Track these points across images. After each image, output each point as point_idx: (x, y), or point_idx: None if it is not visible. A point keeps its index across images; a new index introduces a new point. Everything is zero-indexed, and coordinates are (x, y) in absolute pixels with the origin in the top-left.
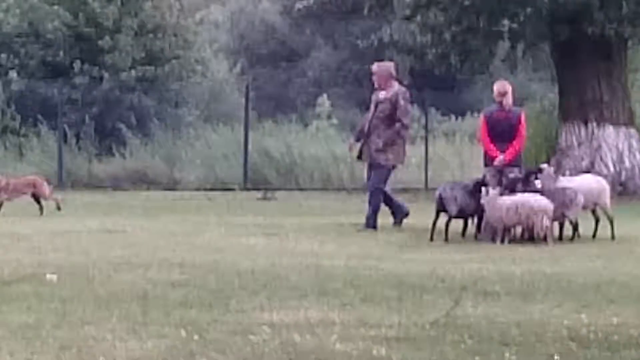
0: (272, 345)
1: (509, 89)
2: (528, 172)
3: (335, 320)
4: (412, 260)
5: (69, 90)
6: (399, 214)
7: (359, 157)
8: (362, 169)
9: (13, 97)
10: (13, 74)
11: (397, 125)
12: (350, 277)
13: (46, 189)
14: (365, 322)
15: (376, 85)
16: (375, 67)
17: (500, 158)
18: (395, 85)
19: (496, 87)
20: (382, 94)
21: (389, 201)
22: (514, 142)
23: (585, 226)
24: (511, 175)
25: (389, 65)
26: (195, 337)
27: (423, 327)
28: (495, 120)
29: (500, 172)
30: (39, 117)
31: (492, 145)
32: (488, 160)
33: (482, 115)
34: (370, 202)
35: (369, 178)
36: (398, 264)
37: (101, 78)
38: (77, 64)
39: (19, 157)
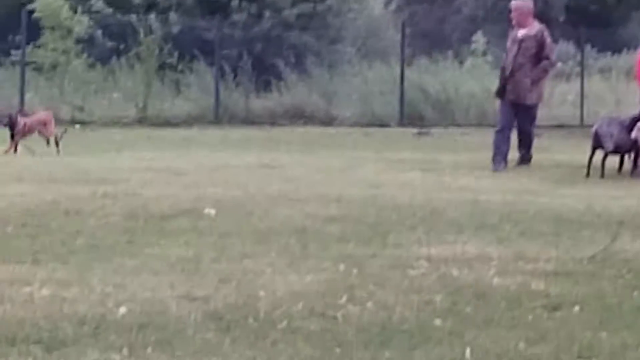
0: (430, 279)
1: None
2: None
3: (492, 255)
4: (568, 195)
5: (227, 28)
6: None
7: (501, 95)
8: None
9: (170, 34)
10: (173, 15)
11: (545, 62)
12: (507, 212)
13: (53, 126)
14: (522, 256)
15: (515, 23)
16: (514, 4)
17: None
18: (536, 23)
19: None
20: (522, 32)
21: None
22: None
23: None
24: None
25: (529, 3)
26: (354, 270)
27: (580, 261)
28: None
29: None
30: (196, 54)
31: None
32: None
33: (638, 51)
34: (522, 143)
35: (504, 117)
36: (554, 199)
37: (259, 15)
38: (235, 1)
39: (176, 93)
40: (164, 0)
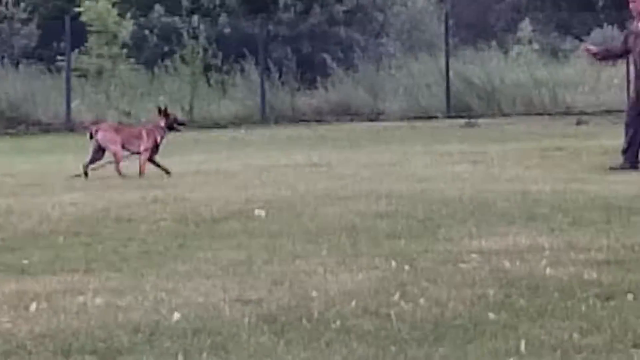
0: (482, 272)
1: None
2: None
3: (544, 245)
4: (618, 182)
5: (272, 26)
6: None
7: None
8: (564, 94)
9: (214, 35)
10: (223, 17)
11: None
12: (557, 201)
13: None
14: (574, 246)
15: (636, 14)
16: None
17: None
18: None
19: None
20: None
21: None
22: None
23: None
24: None
25: None
26: (406, 267)
27: (632, 249)
28: None
29: None
30: (242, 53)
31: None
32: None
33: None
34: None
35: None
36: (604, 187)
37: (306, 11)
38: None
39: (222, 94)
40: (208, 2)
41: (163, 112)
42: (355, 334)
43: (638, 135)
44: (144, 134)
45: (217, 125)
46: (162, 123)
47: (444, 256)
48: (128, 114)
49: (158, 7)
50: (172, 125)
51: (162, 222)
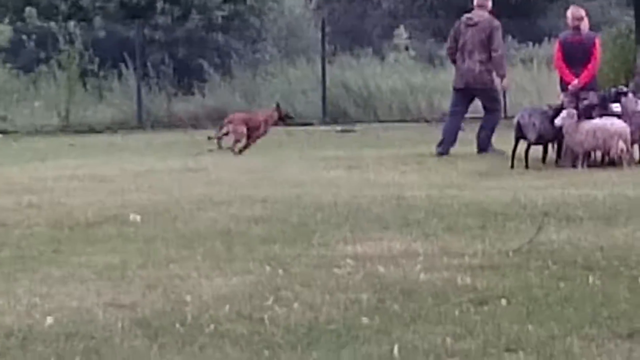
0: (356, 277)
1: (584, 13)
2: (603, 97)
3: (418, 251)
4: (493, 188)
5: (150, 32)
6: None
7: None
8: (440, 100)
9: (90, 40)
10: (99, 21)
11: None
12: (432, 207)
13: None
14: (448, 251)
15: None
16: None
17: (574, 82)
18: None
19: (570, 12)
20: None
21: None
22: (589, 67)
23: None
24: (586, 102)
25: None
26: (280, 272)
27: (506, 254)
28: (570, 45)
29: (576, 97)
30: (118, 59)
31: (567, 71)
32: (564, 86)
33: (557, 41)
34: None
35: None
36: (479, 192)
37: (184, 17)
38: (159, 4)
39: (98, 100)
40: (85, 6)
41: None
42: (228, 338)
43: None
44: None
45: (93, 130)
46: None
47: (318, 261)
48: (4, 119)
49: (30, 11)
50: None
51: (37, 227)
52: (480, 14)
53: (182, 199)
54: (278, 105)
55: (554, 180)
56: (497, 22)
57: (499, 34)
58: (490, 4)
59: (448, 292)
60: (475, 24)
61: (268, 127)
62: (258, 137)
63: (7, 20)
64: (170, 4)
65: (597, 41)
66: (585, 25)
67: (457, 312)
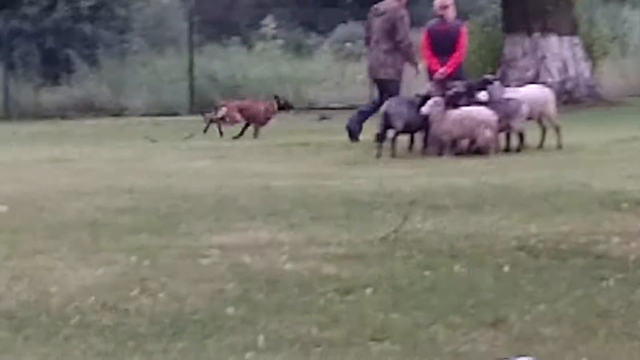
0: (222, 267)
1: (450, 2)
2: (470, 85)
3: (284, 241)
4: (360, 177)
5: (17, 22)
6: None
7: None
8: (307, 90)
9: None
10: None
11: None
12: (298, 196)
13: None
14: (314, 241)
15: None
16: None
17: (440, 71)
18: None
19: (437, 1)
20: None
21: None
22: (455, 55)
23: (532, 136)
24: (452, 90)
25: None
26: (146, 262)
27: (372, 243)
28: (436, 34)
29: (443, 85)
30: None
31: (434, 59)
32: (431, 75)
33: (424, 30)
34: None
35: None
36: (346, 182)
37: (51, 7)
38: None
39: None
40: None
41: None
42: (94, 329)
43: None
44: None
45: None
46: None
47: (184, 251)
48: None
49: None
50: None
51: None
52: (387, 3)
53: (49, 190)
54: (276, 97)
55: (421, 169)
56: (401, 12)
57: (403, 24)
58: None
59: (313, 281)
60: (382, 14)
61: (270, 116)
62: (260, 126)
63: None
64: None
65: (464, 30)
66: (449, 13)
67: (322, 302)
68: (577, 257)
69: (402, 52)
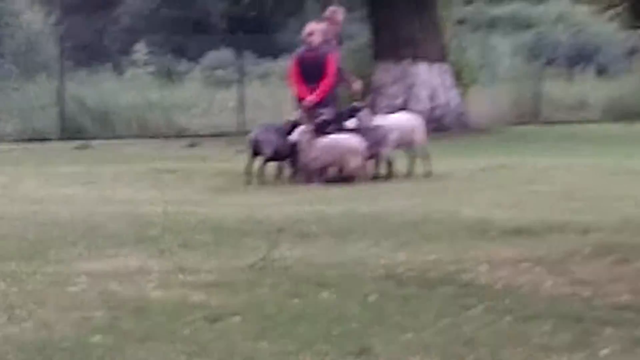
0: (90, 294)
1: (318, 28)
2: (339, 113)
3: (153, 268)
4: (230, 204)
5: None
6: None
7: None
8: (177, 117)
9: None
10: None
11: None
12: (168, 223)
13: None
14: (183, 268)
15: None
16: None
17: (309, 98)
18: None
19: (306, 28)
20: None
21: None
22: (323, 82)
23: (401, 164)
24: (321, 118)
25: None
26: (14, 289)
27: (241, 270)
28: (305, 61)
29: (312, 113)
30: None
31: (302, 87)
32: (300, 102)
33: (293, 57)
34: None
35: None
36: (215, 209)
37: None
38: None
39: None
40: None
41: None
42: None
43: None
44: None
45: None
46: None
47: (53, 278)
48: None
49: None
50: None
51: None
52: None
53: None
54: None
55: (290, 197)
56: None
57: None
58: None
59: (182, 309)
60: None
61: None
62: None
63: None
64: None
65: (331, 57)
66: (315, 40)
67: (190, 330)
68: (444, 286)
69: None
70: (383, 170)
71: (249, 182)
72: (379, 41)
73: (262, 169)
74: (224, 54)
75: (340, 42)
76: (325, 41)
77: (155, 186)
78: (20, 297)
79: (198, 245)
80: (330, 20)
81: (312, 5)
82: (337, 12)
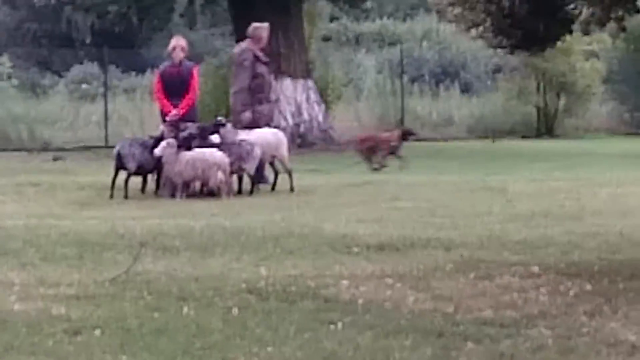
0: None
1: (180, 43)
2: (203, 128)
3: (14, 280)
4: (92, 218)
5: None
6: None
7: None
8: (42, 130)
9: None
10: None
11: None
12: (29, 236)
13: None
14: (44, 281)
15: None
16: None
17: (173, 113)
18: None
19: (170, 43)
20: None
21: None
22: (187, 97)
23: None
24: (185, 132)
25: None
26: None
27: (102, 284)
28: (168, 76)
29: (176, 127)
30: None
31: (166, 101)
32: (164, 116)
33: (156, 72)
34: None
35: None
36: (78, 222)
37: None
38: None
39: None
40: None
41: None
42: None
43: None
44: None
45: None
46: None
47: None
48: None
49: None
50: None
51: None
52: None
53: None
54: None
55: (153, 211)
56: (244, 56)
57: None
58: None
59: (42, 322)
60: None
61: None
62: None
63: None
64: None
65: (195, 72)
66: (177, 55)
67: (51, 343)
68: (306, 300)
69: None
70: (246, 185)
71: (112, 196)
72: None
73: (126, 182)
74: (89, 68)
75: (266, 61)
76: (255, 57)
77: (17, 200)
78: None
79: (60, 258)
80: (253, 37)
81: (177, 21)
82: (260, 28)
